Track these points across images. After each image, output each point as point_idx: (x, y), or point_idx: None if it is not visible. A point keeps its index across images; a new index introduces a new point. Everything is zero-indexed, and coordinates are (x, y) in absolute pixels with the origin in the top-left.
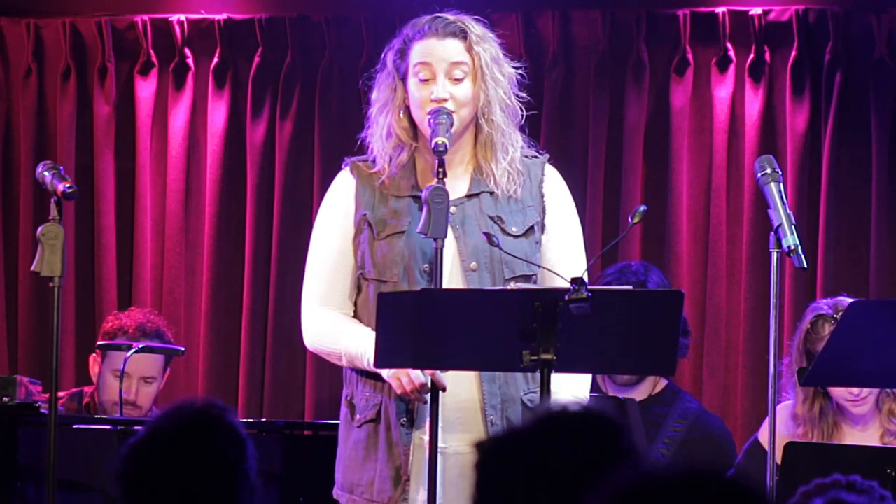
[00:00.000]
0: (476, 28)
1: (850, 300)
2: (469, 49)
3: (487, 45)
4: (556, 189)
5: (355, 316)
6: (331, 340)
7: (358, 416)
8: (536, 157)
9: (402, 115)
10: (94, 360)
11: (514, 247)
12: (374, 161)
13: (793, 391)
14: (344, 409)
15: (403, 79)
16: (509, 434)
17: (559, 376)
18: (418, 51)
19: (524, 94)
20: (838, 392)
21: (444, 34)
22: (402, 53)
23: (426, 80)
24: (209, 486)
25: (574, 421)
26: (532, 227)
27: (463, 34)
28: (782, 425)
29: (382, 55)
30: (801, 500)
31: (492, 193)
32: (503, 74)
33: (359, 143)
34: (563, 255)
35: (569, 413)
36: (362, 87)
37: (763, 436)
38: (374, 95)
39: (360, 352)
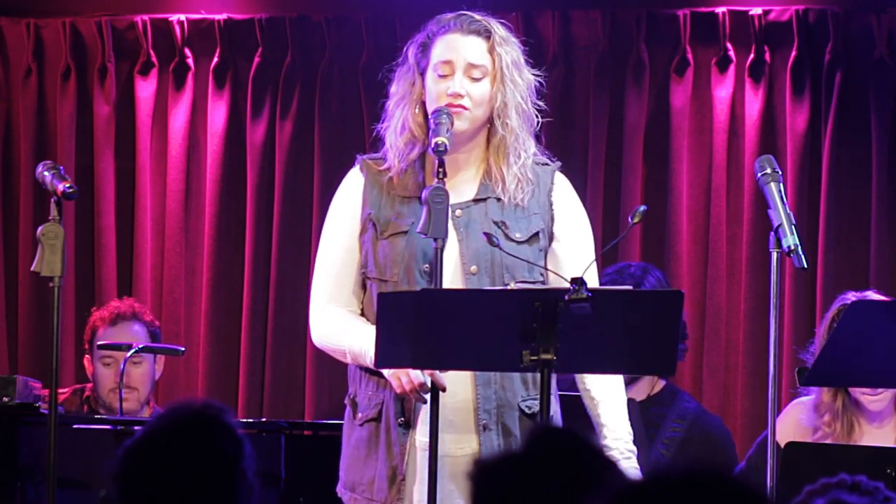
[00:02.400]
0: (500, 30)
1: (878, 296)
2: (491, 50)
3: (510, 48)
4: (565, 197)
5: (362, 314)
6: (336, 338)
7: (360, 415)
8: (548, 164)
9: (417, 110)
10: (87, 362)
11: (516, 252)
12: (384, 158)
13: None
14: (347, 408)
15: (423, 73)
16: (505, 456)
17: (593, 377)
18: (441, 46)
19: (541, 103)
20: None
21: (467, 31)
22: (425, 48)
23: (444, 76)
24: (207, 486)
25: (566, 444)
26: (537, 234)
27: (487, 33)
28: (804, 416)
29: (404, 49)
30: (805, 500)
31: (499, 200)
32: (522, 79)
33: (374, 133)
34: (573, 262)
35: (561, 436)
36: (381, 80)
37: (777, 430)
38: (392, 89)
39: (363, 350)
